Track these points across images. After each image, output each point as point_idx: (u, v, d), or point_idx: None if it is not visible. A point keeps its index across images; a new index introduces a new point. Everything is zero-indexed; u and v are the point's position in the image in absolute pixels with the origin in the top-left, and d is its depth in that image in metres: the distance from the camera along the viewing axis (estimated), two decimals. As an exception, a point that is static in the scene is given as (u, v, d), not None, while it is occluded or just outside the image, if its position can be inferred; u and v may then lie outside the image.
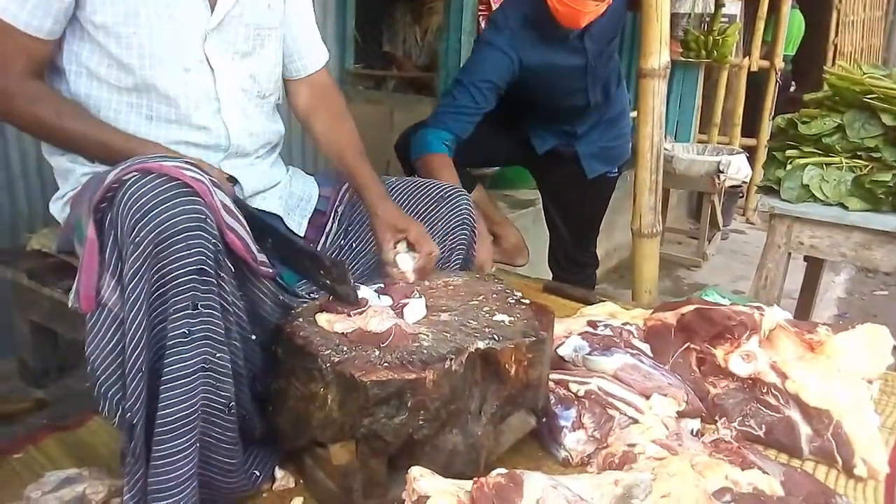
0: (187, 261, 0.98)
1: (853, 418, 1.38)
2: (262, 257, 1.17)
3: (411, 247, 1.42)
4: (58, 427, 1.37)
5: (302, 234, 1.51)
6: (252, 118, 1.41)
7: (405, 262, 1.40)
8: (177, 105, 1.29)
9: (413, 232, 1.41)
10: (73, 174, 1.33)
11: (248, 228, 1.12)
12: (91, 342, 1.02)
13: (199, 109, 1.32)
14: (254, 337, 1.16)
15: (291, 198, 1.54)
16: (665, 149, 4.12)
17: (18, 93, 1.20)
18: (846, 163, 2.09)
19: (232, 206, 1.09)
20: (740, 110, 5.19)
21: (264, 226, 1.34)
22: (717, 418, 1.45)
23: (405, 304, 1.26)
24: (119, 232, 0.99)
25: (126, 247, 0.97)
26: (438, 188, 1.62)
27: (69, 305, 1.06)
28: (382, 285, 1.35)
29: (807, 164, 2.12)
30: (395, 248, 1.41)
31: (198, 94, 1.31)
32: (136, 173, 1.00)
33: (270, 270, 1.19)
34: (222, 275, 1.04)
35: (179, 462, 0.99)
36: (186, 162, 1.05)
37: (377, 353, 1.12)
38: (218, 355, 1.04)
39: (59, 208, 1.38)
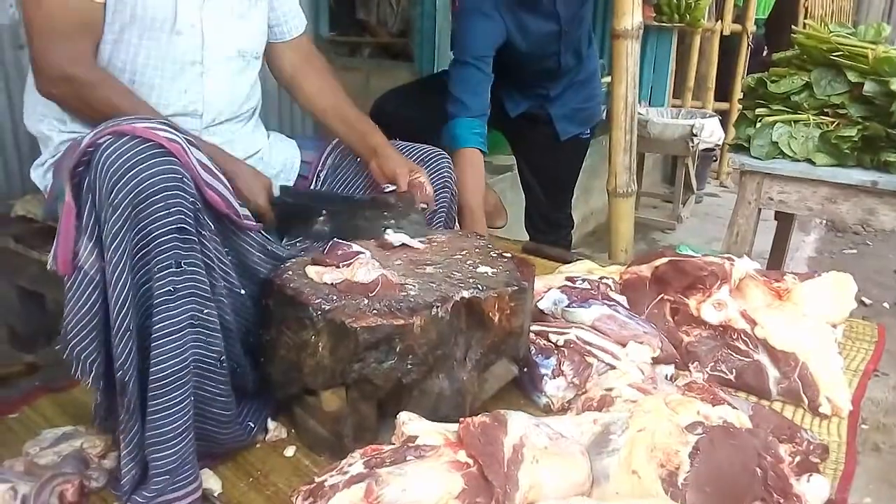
0: (168, 220, 1.00)
1: (818, 360, 1.45)
2: (244, 211, 1.19)
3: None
4: (51, 388, 1.39)
5: None
6: (233, 84, 1.42)
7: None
8: (162, 68, 1.30)
9: (423, 175, 1.51)
10: (51, 141, 1.34)
11: (227, 185, 1.14)
12: (68, 304, 1.05)
13: (185, 73, 1.33)
14: (243, 291, 1.19)
15: (273, 166, 1.56)
16: (639, 113, 4.18)
17: (95, 81, 1.22)
18: (813, 120, 2.15)
19: (209, 164, 1.11)
20: (713, 74, 5.24)
21: (315, 199, 1.39)
22: (690, 364, 1.52)
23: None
24: (97, 195, 1.00)
25: (105, 209, 0.99)
26: (419, 151, 1.65)
27: (48, 267, 1.09)
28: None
29: (776, 122, 2.17)
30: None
31: (183, 58, 1.32)
32: (109, 136, 1.01)
33: (254, 223, 1.22)
34: (203, 232, 1.07)
35: (175, 415, 1.03)
36: (160, 122, 1.06)
37: (366, 301, 1.16)
38: (205, 311, 1.07)
39: (40, 175, 1.39)
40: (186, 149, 1.05)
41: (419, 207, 1.42)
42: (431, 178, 1.64)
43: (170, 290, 1.01)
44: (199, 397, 1.08)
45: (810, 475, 1.09)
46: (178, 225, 1.01)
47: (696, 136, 4.14)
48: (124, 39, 1.26)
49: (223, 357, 1.11)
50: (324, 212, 1.37)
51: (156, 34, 1.27)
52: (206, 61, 1.34)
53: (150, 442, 1.02)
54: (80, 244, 1.02)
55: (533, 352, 1.45)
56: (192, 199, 1.03)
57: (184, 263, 1.02)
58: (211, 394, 1.11)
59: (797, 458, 1.14)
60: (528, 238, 2.60)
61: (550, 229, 2.61)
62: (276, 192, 1.38)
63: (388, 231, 1.40)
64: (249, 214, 1.21)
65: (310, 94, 1.61)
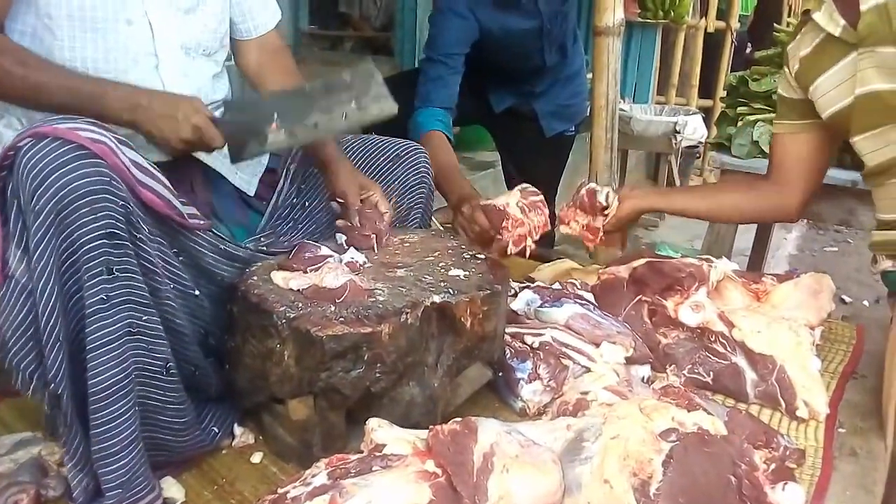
0: (94, 225, 0.95)
1: (796, 363, 1.44)
2: (189, 210, 1.15)
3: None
4: (10, 392, 1.35)
5: (252, 194, 1.49)
6: (192, 77, 1.37)
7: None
8: (115, 60, 1.25)
9: (377, 191, 1.44)
10: (6, 140, 1.29)
11: (168, 184, 1.09)
12: (2, 314, 1.00)
13: (138, 64, 1.28)
14: (197, 292, 1.16)
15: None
16: (622, 110, 4.17)
17: None
18: (794, 119, 2.14)
19: (145, 164, 1.06)
20: (697, 71, 5.26)
21: (264, 104, 1.30)
22: (667, 367, 1.50)
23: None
24: (21, 201, 0.96)
25: (28, 216, 0.95)
26: (395, 146, 1.61)
27: None
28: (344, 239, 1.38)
29: (756, 121, 2.17)
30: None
31: (136, 48, 1.27)
32: (30, 139, 0.96)
33: (202, 222, 1.18)
34: (139, 235, 1.02)
35: (120, 427, 0.99)
36: (86, 122, 1.01)
37: (333, 308, 1.13)
38: (145, 318, 1.02)
39: None
40: (115, 149, 1.00)
41: (379, 79, 1.29)
42: (407, 174, 1.61)
43: (102, 298, 0.96)
44: (147, 407, 1.04)
45: (785, 483, 1.07)
46: (108, 230, 0.96)
47: (679, 133, 4.15)
48: (66, 35, 1.20)
49: (170, 364, 1.06)
50: (275, 115, 1.26)
51: (104, 25, 1.22)
52: (160, 53, 1.29)
53: (96, 456, 0.98)
54: (10, 252, 0.98)
55: (508, 355, 1.42)
56: (122, 203, 0.98)
57: (116, 270, 0.97)
58: (160, 402, 1.07)
59: (773, 465, 1.13)
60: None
61: None
62: (217, 113, 1.30)
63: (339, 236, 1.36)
64: (196, 213, 1.17)
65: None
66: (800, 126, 1.51)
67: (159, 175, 1.08)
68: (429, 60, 2.05)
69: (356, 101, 1.28)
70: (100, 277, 0.96)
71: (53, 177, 0.93)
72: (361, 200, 1.42)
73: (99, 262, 0.96)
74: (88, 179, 0.95)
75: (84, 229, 0.94)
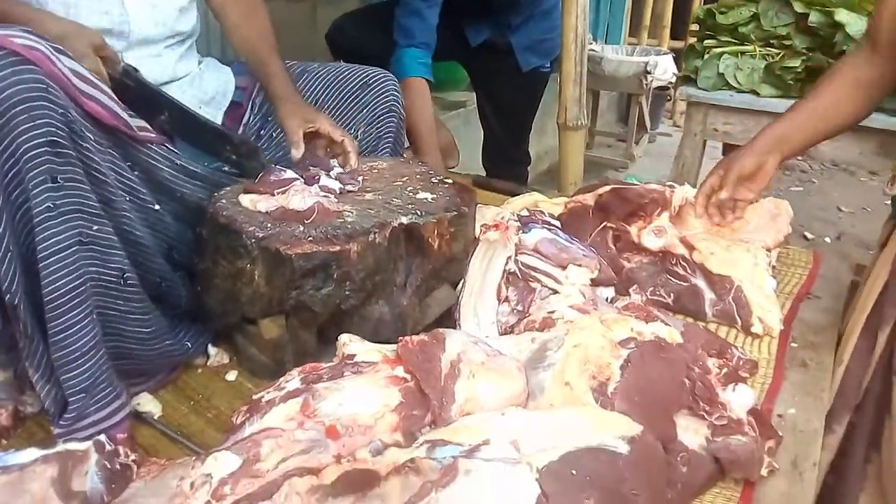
0: (34, 132, 0.93)
1: (752, 283, 1.49)
2: (138, 123, 1.14)
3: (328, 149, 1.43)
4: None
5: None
6: (159, 6, 1.35)
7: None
8: None
9: (322, 123, 1.41)
10: None
11: (112, 94, 1.08)
12: None
13: None
14: (157, 207, 1.16)
15: (204, 93, 1.50)
16: (594, 50, 4.16)
17: None
18: (759, 51, 2.17)
19: (85, 73, 1.04)
20: (669, 11, 5.23)
21: (159, 98, 1.30)
22: (630, 289, 1.55)
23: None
24: None
25: None
26: (363, 73, 1.60)
27: None
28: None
29: (723, 54, 2.19)
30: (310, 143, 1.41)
31: None
32: None
33: (153, 135, 1.17)
34: (84, 144, 1.01)
35: (78, 334, 0.99)
36: (20, 29, 0.98)
37: (301, 228, 1.15)
38: (95, 228, 1.02)
39: None
40: (51, 56, 0.98)
41: (261, 159, 1.37)
42: (376, 102, 1.60)
43: (49, 206, 0.95)
44: (107, 316, 1.05)
45: (735, 384, 1.13)
46: (48, 138, 0.94)
47: (649, 73, 4.15)
48: None
49: (127, 274, 1.07)
50: (166, 112, 1.29)
51: None
52: None
53: (57, 364, 0.99)
54: None
55: (476, 278, 1.46)
56: (62, 110, 0.97)
57: (61, 178, 0.96)
58: (120, 311, 1.08)
59: (725, 371, 1.19)
60: (484, 174, 2.60)
61: (508, 164, 2.62)
62: (120, 62, 1.28)
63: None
64: (146, 126, 1.16)
65: (230, 26, 1.52)
66: None
67: (102, 85, 1.07)
68: None
69: (239, 156, 1.37)
70: (45, 186, 0.95)
71: None
72: (308, 134, 1.40)
73: (42, 170, 0.95)
74: (24, 86, 0.93)
75: (23, 136, 0.93)
